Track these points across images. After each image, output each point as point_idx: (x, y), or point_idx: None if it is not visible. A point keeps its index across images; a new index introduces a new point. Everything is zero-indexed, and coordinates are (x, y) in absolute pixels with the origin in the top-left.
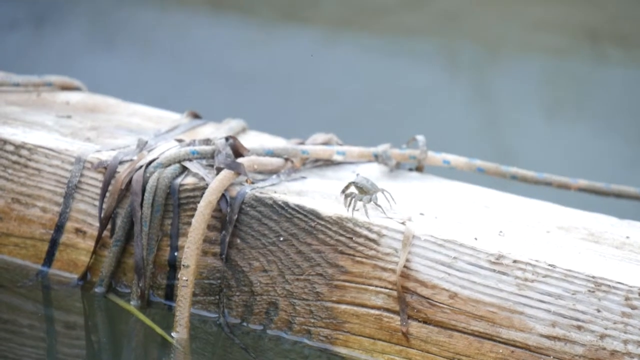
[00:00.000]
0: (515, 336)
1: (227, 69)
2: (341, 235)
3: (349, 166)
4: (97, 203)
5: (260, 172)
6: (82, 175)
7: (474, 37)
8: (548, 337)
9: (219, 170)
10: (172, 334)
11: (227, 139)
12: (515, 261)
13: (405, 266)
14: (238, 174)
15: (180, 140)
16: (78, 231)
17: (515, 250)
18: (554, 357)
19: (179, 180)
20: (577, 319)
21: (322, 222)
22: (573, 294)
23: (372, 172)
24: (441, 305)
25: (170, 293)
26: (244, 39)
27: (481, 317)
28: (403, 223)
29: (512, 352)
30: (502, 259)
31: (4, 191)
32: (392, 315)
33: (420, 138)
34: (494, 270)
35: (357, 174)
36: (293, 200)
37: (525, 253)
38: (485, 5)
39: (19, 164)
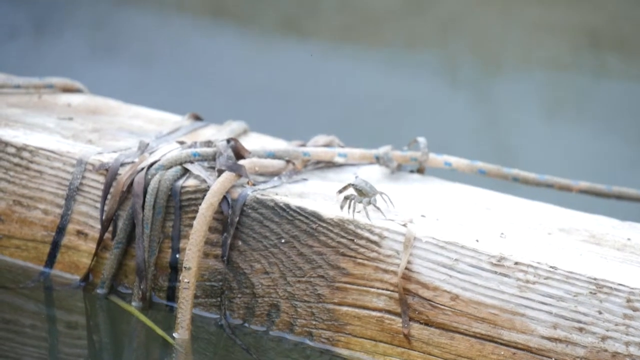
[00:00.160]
0: (516, 338)
1: (227, 77)
2: (343, 237)
3: (350, 168)
4: (98, 205)
5: (261, 174)
6: (83, 177)
7: (474, 45)
8: (549, 339)
9: (220, 172)
10: (173, 335)
11: (228, 141)
12: (516, 263)
13: (406, 268)
14: (239, 176)
15: (181, 143)
16: (79, 233)
17: (516, 252)
18: (555, 359)
19: (180, 183)
20: (579, 321)
21: (324, 224)
22: (574, 296)
23: (373, 174)
24: (443, 307)
25: (171, 295)
26: (245, 47)
27: (483, 319)
28: (404, 225)
29: (514, 354)
30: (503, 261)
31: (5, 193)
32: (393, 317)
33: (421, 140)
34: (496, 272)
35: (356, 176)
36: (294, 202)
37: (527, 255)
38: (486, 5)
39: (21, 166)
